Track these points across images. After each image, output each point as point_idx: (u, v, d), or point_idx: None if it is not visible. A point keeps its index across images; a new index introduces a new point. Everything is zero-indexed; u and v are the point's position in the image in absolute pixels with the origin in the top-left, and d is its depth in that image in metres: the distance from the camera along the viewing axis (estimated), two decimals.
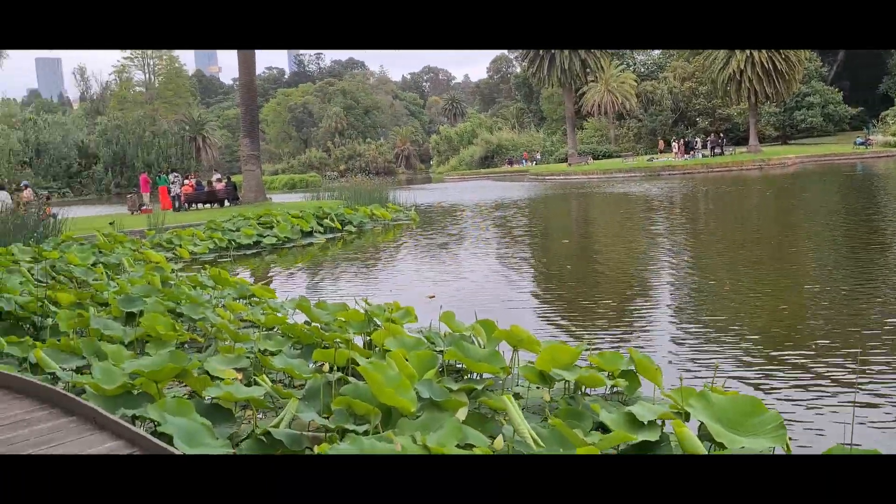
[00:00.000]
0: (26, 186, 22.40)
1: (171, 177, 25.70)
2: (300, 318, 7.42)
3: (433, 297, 8.94)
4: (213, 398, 4.07)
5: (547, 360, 4.36)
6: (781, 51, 44.25)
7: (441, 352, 4.98)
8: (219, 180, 26.39)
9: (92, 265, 11.26)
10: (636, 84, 66.99)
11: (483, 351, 4.72)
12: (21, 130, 72.67)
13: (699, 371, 5.57)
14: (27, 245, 12.66)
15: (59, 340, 5.99)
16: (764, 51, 44.33)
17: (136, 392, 4.20)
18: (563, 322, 7.67)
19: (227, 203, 24.28)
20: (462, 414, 3.91)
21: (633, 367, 4.52)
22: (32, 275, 9.95)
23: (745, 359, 5.86)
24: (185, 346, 6.25)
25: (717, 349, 6.23)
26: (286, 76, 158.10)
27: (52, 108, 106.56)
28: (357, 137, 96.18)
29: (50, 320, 7.28)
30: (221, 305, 7.62)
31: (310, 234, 16.92)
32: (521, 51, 60.06)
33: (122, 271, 11.42)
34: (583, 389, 4.54)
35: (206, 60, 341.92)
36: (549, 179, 46.24)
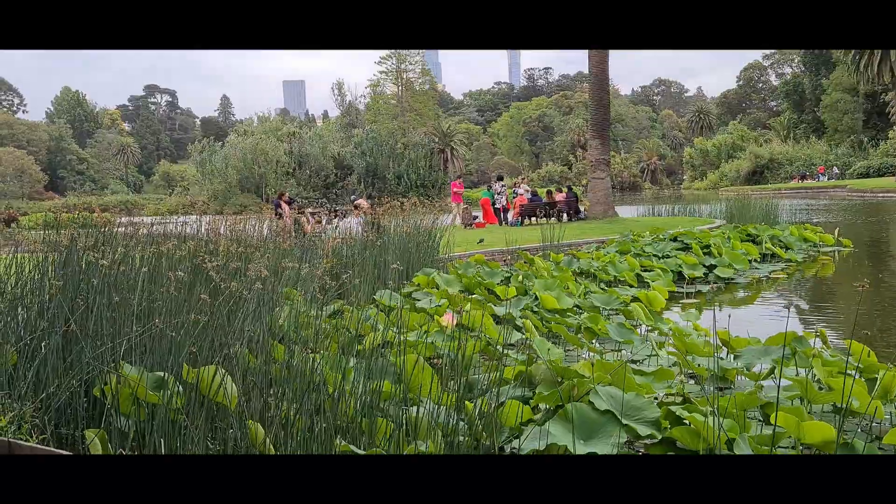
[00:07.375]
0: (359, 197, 20.21)
1: (497, 186, 21.88)
2: None
3: None
4: None
5: None
6: None
7: None
8: (559, 190, 22.71)
9: (570, 309, 7.70)
10: None
11: None
12: (287, 143, 76.88)
13: None
14: (441, 272, 9.44)
15: None
16: None
17: None
18: None
19: (564, 217, 20.29)
20: None
21: None
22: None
23: None
24: None
25: None
26: (515, 90, 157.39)
27: (302, 125, 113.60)
28: None
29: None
30: None
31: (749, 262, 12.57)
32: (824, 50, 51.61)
33: (608, 318, 7.75)
34: None
35: None
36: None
